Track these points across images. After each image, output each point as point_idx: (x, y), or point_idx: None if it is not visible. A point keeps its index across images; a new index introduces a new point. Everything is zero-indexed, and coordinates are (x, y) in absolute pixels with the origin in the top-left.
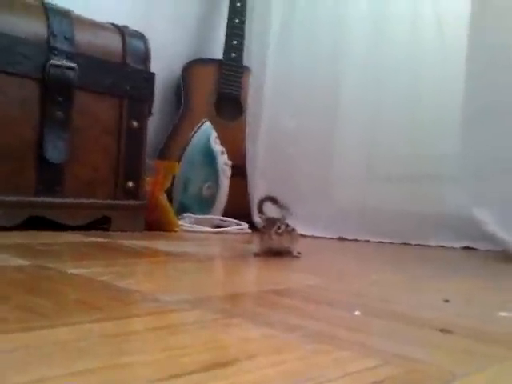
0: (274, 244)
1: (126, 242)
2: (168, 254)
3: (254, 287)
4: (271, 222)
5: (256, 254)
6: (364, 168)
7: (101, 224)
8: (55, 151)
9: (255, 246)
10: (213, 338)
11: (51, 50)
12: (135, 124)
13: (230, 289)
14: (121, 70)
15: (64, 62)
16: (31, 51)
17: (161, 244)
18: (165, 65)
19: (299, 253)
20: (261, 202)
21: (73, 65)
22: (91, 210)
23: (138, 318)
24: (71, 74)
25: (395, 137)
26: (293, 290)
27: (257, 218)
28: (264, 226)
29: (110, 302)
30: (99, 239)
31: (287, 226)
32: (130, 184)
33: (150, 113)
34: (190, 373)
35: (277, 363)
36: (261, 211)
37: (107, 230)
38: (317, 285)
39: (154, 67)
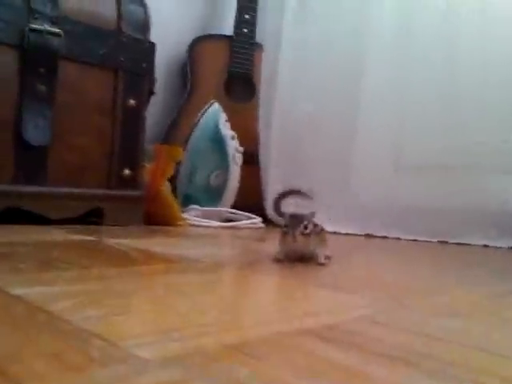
0: (299, 247)
1: (116, 242)
2: (164, 259)
3: (281, 324)
4: (296, 219)
5: (276, 260)
6: (391, 157)
7: (93, 217)
8: (36, 132)
9: (277, 248)
10: None
11: (31, 13)
12: (132, 102)
13: (244, 331)
14: (115, 39)
15: (46, 27)
16: (8, 14)
17: (158, 243)
18: (169, 42)
19: (328, 257)
20: (281, 197)
21: (57, 30)
22: (80, 201)
23: None
24: (55, 41)
25: (427, 122)
26: (338, 329)
27: (273, 214)
28: (287, 225)
29: (47, 364)
30: (84, 237)
31: (315, 225)
32: (127, 171)
33: (151, 91)
34: None
35: None
36: (278, 208)
37: (100, 224)
38: (371, 317)
39: (159, 44)
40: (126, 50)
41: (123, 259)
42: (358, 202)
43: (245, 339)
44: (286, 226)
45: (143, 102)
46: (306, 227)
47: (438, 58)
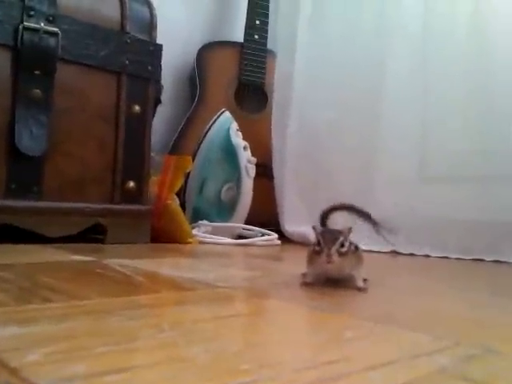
0: (335, 269)
1: (119, 263)
2: (174, 285)
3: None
4: (331, 236)
5: (305, 284)
6: (416, 167)
7: (95, 234)
8: (31, 140)
9: (305, 269)
10: None
11: (26, 10)
12: (137, 108)
13: None
14: (118, 39)
15: (42, 26)
16: (1, 11)
17: (167, 265)
18: (177, 48)
19: (365, 280)
20: (327, 213)
21: (54, 29)
22: (80, 216)
23: None
24: (52, 41)
25: (456, 126)
26: None
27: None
28: (319, 242)
29: None
30: (82, 257)
31: (350, 243)
32: (131, 184)
33: (158, 100)
34: None
35: None
36: (324, 225)
37: (103, 242)
38: (460, 371)
39: (166, 51)
40: (129, 52)
41: (126, 285)
42: (381, 216)
43: None
44: (318, 243)
45: (149, 109)
46: (342, 245)
47: (468, 55)
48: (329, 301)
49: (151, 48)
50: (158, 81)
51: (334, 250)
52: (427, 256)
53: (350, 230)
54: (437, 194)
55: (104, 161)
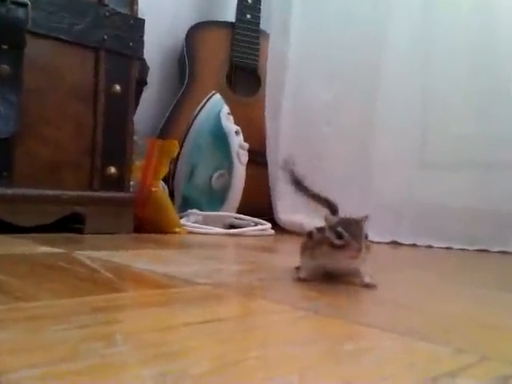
0: (346, 264)
1: (90, 255)
2: (149, 282)
3: None
4: (354, 228)
5: (301, 280)
6: (416, 151)
7: (75, 223)
8: (0, 121)
9: (299, 263)
10: None
11: None
12: (118, 88)
13: None
14: (95, 12)
15: None
16: None
17: (147, 257)
18: (165, 28)
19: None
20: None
21: (24, 0)
22: (55, 205)
23: None
24: (21, 12)
25: (457, 109)
26: None
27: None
28: (319, 230)
29: None
30: (52, 249)
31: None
32: (112, 169)
33: (144, 81)
34: None
35: None
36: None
37: (81, 231)
38: None
39: (152, 30)
40: (108, 26)
41: (87, 283)
42: (381, 205)
43: None
44: (317, 231)
45: (131, 89)
46: (366, 237)
47: (472, 30)
48: (327, 301)
49: (132, 22)
50: (140, 59)
51: (363, 243)
52: (429, 246)
53: (366, 218)
54: (438, 180)
55: (81, 144)
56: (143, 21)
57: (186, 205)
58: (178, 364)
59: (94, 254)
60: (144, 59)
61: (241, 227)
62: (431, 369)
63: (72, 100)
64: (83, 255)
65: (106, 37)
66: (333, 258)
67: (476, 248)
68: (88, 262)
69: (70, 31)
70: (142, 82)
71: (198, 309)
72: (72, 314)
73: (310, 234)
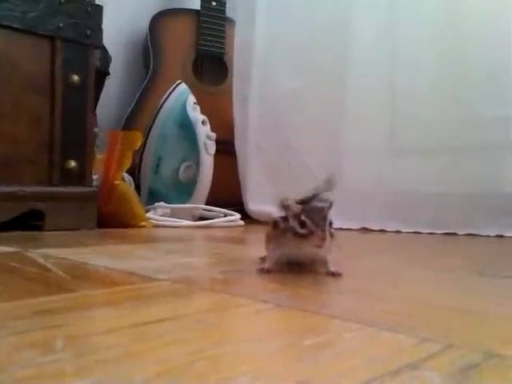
0: (312, 253)
1: (45, 253)
2: (105, 279)
3: None
4: (318, 216)
5: (265, 271)
6: (384, 138)
7: (34, 220)
8: None
9: (265, 254)
10: None
11: None
12: (76, 78)
13: None
14: None
15: None
16: None
17: (106, 253)
18: (128, 18)
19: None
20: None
21: None
22: (12, 201)
23: None
24: None
25: (425, 94)
26: None
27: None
28: (283, 219)
29: None
30: (5, 248)
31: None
32: (72, 163)
33: (106, 71)
34: None
35: None
36: None
37: (41, 229)
38: None
39: (114, 18)
40: (63, 13)
41: (36, 283)
42: (350, 191)
43: None
44: (302, 224)
45: (90, 79)
46: (331, 224)
47: (439, 15)
48: (290, 292)
49: (89, 9)
50: (99, 47)
51: (327, 231)
52: (398, 232)
53: (331, 204)
54: (408, 166)
55: (39, 138)
56: (101, 7)
57: (153, 198)
58: (119, 370)
59: (50, 251)
60: (106, 49)
61: (210, 219)
62: (393, 361)
63: (27, 92)
64: (37, 254)
65: (61, 25)
66: (297, 248)
67: (444, 232)
68: (41, 260)
69: (23, 19)
70: (103, 73)
71: (151, 307)
72: (9, 318)
73: (274, 223)
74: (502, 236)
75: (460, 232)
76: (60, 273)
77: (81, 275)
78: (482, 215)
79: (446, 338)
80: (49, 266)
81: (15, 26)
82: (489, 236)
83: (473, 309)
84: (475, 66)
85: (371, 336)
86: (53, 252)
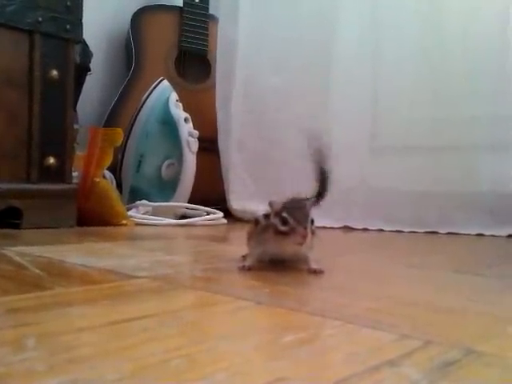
0: (293, 250)
1: (21, 251)
2: (82, 277)
3: None
4: (300, 213)
5: (246, 269)
6: (366, 137)
7: (12, 218)
8: None
9: (247, 252)
10: None
11: None
12: (55, 73)
13: None
14: None
15: None
16: None
17: (85, 251)
18: (110, 13)
19: (317, 260)
20: None
21: None
22: None
23: None
24: None
25: (407, 95)
26: None
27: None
28: (285, 219)
29: None
30: None
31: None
32: (51, 160)
33: (87, 67)
34: None
35: None
36: None
37: (18, 227)
38: None
39: (95, 14)
40: (42, 8)
41: (11, 281)
42: (333, 190)
43: None
44: (283, 222)
45: (70, 74)
46: (312, 222)
47: (420, 14)
48: (271, 289)
49: (69, 4)
50: (79, 42)
51: (309, 229)
52: (380, 230)
53: (313, 202)
54: (389, 165)
55: (17, 134)
56: (81, 1)
57: (135, 196)
58: (92, 369)
59: (27, 249)
60: (86, 44)
61: (192, 217)
62: (373, 357)
63: (5, 87)
64: (13, 251)
65: (40, 19)
66: (278, 245)
67: (425, 230)
68: (17, 258)
69: (1, 13)
70: (84, 68)
71: (130, 305)
72: (4, 315)
73: (256, 221)
74: (482, 235)
75: (441, 231)
76: (36, 271)
77: (58, 273)
78: (462, 214)
79: (425, 335)
80: (24, 263)
81: None
82: (469, 235)
83: (452, 306)
84: (456, 65)
85: (351, 333)
86: (30, 250)
